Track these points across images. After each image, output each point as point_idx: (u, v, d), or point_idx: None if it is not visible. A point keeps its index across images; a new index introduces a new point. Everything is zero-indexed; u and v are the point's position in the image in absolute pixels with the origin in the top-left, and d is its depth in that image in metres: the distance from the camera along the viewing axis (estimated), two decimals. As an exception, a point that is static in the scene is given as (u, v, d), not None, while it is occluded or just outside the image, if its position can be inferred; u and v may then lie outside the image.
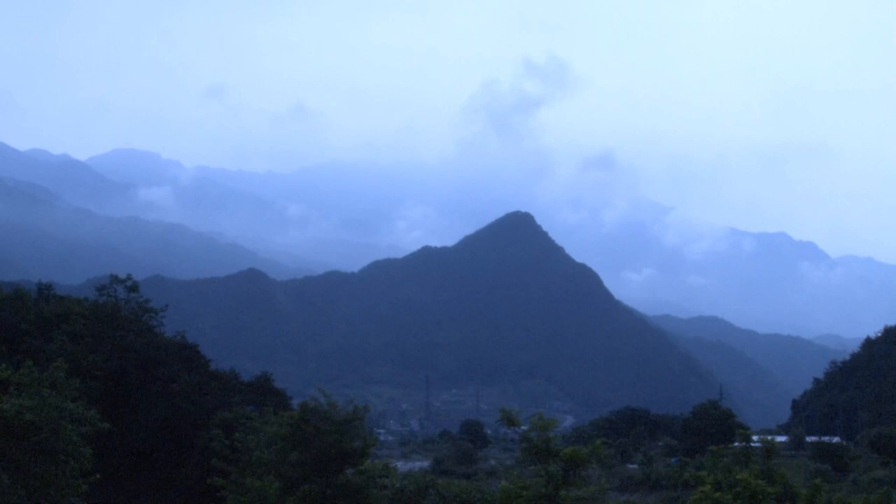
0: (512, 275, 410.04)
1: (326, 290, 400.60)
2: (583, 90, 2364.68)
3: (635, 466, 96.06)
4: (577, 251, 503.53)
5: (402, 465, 78.81)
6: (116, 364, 53.23)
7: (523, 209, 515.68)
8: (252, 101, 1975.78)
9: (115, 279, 61.15)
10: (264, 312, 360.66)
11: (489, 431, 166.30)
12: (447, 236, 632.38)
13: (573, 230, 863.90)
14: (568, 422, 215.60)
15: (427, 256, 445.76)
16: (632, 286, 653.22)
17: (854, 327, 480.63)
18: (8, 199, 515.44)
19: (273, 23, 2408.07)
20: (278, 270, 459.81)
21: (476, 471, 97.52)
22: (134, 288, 61.36)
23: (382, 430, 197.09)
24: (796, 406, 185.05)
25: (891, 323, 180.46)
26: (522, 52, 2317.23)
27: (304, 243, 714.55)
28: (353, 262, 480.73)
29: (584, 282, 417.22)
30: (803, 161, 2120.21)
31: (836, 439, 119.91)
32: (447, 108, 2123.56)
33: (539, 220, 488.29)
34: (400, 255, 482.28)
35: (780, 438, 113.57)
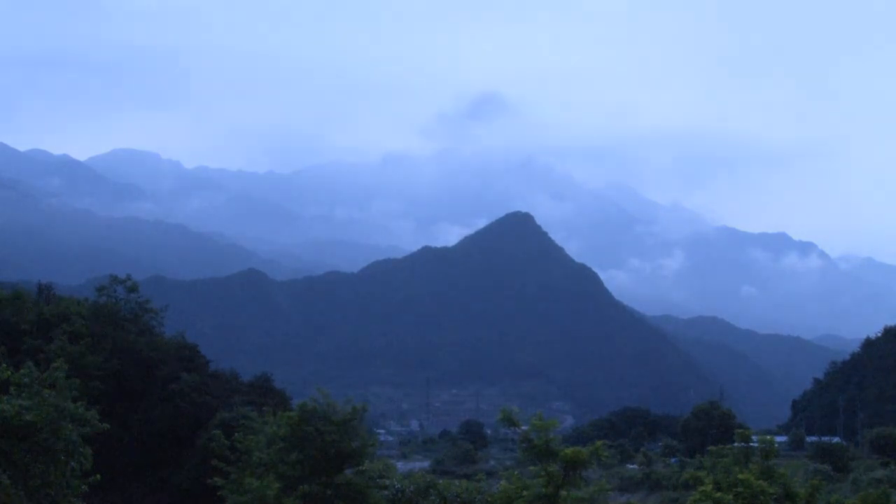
0: (512, 275, 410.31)
1: (326, 290, 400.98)
2: (581, 88, 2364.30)
3: (635, 467, 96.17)
4: (577, 251, 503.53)
5: (402, 466, 78.84)
6: (116, 364, 53.27)
7: (523, 209, 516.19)
8: (252, 101, 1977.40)
9: (114, 279, 61.11)
10: (264, 312, 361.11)
11: (489, 432, 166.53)
12: (447, 236, 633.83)
13: (573, 230, 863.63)
14: (568, 422, 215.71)
15: (427, 256, 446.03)
16: (631, 286, 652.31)
17: (854, 327, 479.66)
18: (8, 199, 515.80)
19: (271, 23, 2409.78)
20: (278, 270, 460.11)
21: (476, 471, 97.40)
22: (134, 288, 61.36)
23: (382, 431, 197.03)
24: (796, 406, 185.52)
25: (891, 323, 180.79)
26: (520, 51, 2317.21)
27: (304, 243, 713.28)
28: (353, 262, 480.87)
29: (584, 282, 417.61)
30: (803, 161, 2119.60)
31: (836, 439, 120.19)
32: (446, 107, 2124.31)
33: (539, 219, 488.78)
34: (400, 255, 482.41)
35: (780, 438, 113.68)
